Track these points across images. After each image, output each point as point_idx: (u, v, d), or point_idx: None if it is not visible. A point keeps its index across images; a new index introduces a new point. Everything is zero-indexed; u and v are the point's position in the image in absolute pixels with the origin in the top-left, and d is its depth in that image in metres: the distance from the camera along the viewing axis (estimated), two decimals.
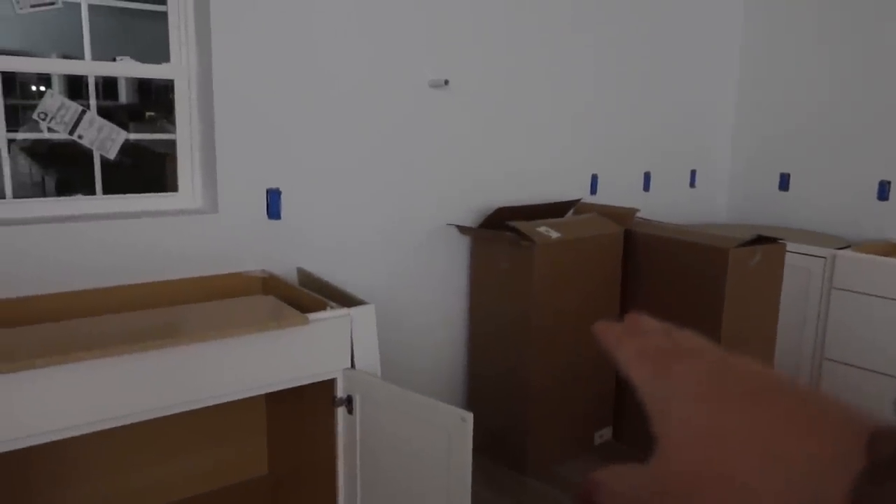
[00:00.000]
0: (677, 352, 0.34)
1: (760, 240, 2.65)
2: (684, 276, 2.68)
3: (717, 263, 2.55)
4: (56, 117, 2.12)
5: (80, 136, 2.16)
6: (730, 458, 0.28)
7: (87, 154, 2.23)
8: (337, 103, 2.47)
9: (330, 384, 1.93)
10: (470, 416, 1.66)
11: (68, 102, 2.13)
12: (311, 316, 1.83)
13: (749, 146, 3.94)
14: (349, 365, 1.93)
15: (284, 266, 2.38)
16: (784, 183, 3.78)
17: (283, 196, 2.38)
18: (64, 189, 4.56)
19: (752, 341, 2.74)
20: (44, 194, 4.07)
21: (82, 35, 2.14)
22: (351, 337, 1.92)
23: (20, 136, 2.62)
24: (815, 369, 3.12)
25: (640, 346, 0.35)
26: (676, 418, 0.31)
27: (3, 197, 2.07)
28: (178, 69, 2.26)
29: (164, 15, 2.24)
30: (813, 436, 0.27)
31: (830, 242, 3.25)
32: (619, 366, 0.35)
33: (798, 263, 3.08)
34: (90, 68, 2.17)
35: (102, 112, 2.19)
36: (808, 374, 3.14)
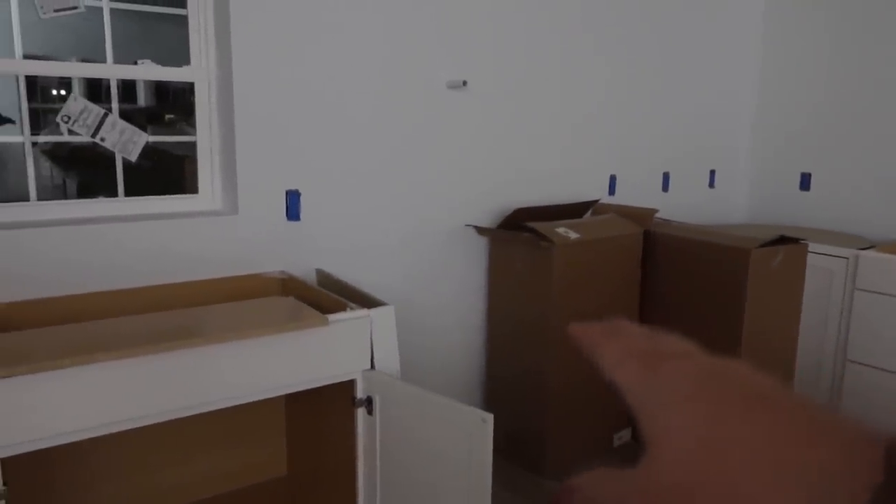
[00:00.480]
0: (664, 353, 0.32)
1: (782, 240, 2.62)
2: (705, 276, 2.65)
3: (738, 264, 2.52)
4: (79, 120, 2.14)
5: (102, 139, 2.18)
6: (733, 470, 0.26)
7: (106, 156, 2.25)
8: (355, 105, 2.47)
9: (350, 385, 1.93)
10: (490, 418, 1.65)
11: (91, 106, 2.15)
12: (331, 317, 1.83)
13: (769, 146, 3.90)
14: (369, 366, 1.93)
15: (303, 267, 2.39)
16: (805, 183, 3.74)
17: (302, 197, 2.39)
18: (85, 191, 4.61)
19: (774, 342, 2.70)
20: (65, 197, 4.11)
21: (103, 39, 2.16)
22: (371, 338, 1.92)
23: (42, 138, 2.65)
24: (838, 371, 3.08)
25: (623, 346, 0.33)
26: (672, 422, 0.29)
27: (27, 199, 2.10)
28: (198, 72, 2.28)
29: (184, 19, 2.26)
30: (824, 445, 0.25)
31: (853, 243, 3.20)
32: (602, 368, 0.33)
33: (820, 264, 3.05)
34: (112, 71, 2.19)
35: (122, 115, 2.21)
36: (830, 376, 3.09)
